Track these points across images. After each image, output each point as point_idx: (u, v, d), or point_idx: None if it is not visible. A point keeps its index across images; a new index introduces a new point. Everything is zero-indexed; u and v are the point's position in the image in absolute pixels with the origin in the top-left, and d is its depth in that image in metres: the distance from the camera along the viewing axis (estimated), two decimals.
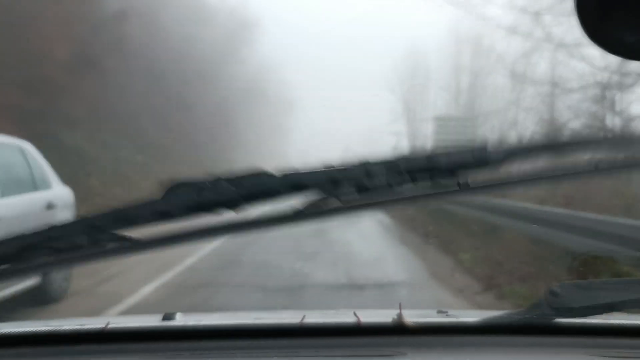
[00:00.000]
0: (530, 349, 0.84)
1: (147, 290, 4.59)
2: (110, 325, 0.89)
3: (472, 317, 0.92)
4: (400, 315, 0.87)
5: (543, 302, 0.86)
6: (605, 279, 0.93)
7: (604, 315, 0.85)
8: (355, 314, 0.90)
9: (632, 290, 0.86)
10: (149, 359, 0.86)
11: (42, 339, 0.90)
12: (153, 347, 0.88)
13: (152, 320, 0.94)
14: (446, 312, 0.96)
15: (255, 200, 0.67)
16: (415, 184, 0.67)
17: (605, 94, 9.39)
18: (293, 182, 0.67)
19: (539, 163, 0.71)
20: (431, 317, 0.95)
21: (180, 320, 0.94)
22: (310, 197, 0.67)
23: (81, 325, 0.91)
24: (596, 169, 0.72)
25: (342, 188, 0.66)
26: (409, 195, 0.69)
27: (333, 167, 0.68)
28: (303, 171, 0.68)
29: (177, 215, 0.67)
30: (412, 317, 0.88)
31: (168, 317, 0.94)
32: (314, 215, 0.69)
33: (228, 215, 0.67)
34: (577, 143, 0.76)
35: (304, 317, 0.89)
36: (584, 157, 0.72)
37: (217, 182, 0.67)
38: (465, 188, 0.67)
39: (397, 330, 0.87)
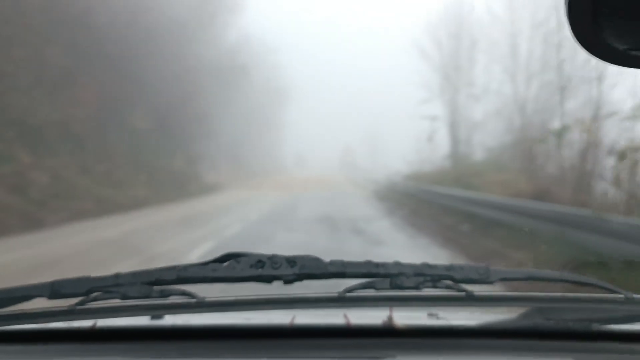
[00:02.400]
0: (519, 352, 0.86)
1: None
2: (99, 324, 0.88)
3: (461, 320, 0.94)
4: (390, 318, 0.88)
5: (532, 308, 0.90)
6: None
7: (587, 322, 0.89)
8: (345, 316, 0.90)
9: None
10: (138, 359, 0.86)
11: (30, 337, 0.90)
12: (141, 347, 0.88)
13: (140, 320, 0.93)
14: (436, 314, 0.97)
15: (304, 278, 0.85)
16: (434, 287, 0.86)
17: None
18: (337, 270, 0.86)
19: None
20: (421, 319, 0.96)
21: (169, 319, 0.94)
22: (350, 283, 0.87)
23: (69, 323, 0.90)
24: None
25: (378, 281, 0.86)
26: (428, 296, 0.90)
27: (371, 262, 0.87)
28: (347, 262, 0.87)
29: (235, 280, 0.85)
30: (402, 319, 0.89)
31: (157, 316, 0.94)
32: (352, 300, 0.90)
33: (277, 286, 0.87)
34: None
35: (294, 317, 0.90)
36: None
37: (274, 257, 0.85)
38: (471, 297, 0.88)
39: (387, 332, 0.88)
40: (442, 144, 18.91)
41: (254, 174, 36.69)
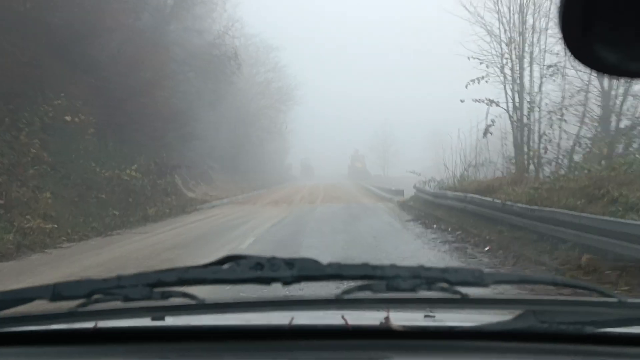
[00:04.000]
0: (513, 354, 1.17)
1: None
2: (100, 326, 1.21)
3: (457, 322, 1.25)
4: (387, 319, 1.20)
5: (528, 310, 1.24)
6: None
7: (580, 325, 1.20)
8: (343, 317, 1.22)
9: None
10: None
11: (32, 339, 1.21)
12: (142, 348, 1.19)
13: (142, 321, 1.25)
14: (433, 316, 1.29)
15: (303, 280, 1.11)
16: (430, 289, 1.13)
17: None
18: (335, 272, 1.12)
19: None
20: (417, 321, 1.28)
21: (170, 321, 1.27)
22: (347, 285, 1.15)
23: (70, 325, 1.22)
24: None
25: (375, 283, 1.12)
26: (424, 298, 1.19)
27: (368, 264, 1.15)
28: (344, 264, 1.14)
29: (235, 282, 1.13)
30: (398, 320, 1.21)
31: (157, 318, 1.26)
32: (350, 302, 1.25)
33: (276, 288, 1.16)
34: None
35: (292, 318, 1.22)
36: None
37: (272, 260, 1.12)
38: (466, 300, 1.18)
39: (384, 333, 1.20)
40: (495, 142, 17.64)
41: (254, 185, 38.51)
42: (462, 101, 16.70)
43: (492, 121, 16.57)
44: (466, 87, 16.47)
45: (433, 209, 16.68)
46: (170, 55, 23.27)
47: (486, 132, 16.68)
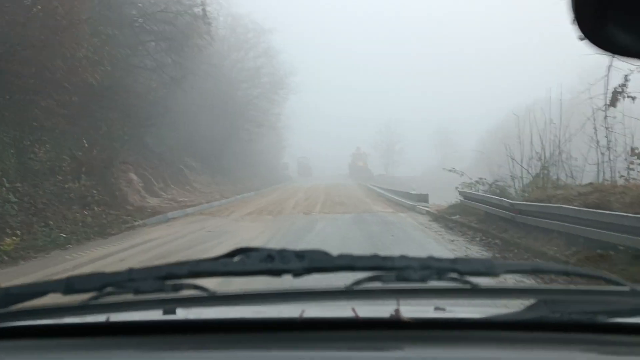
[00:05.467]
0: (524, 344, 1.50)
1: None
2: (112, 319, 1.57)
3: (467, 312, 1.61)
4: (397, 310, 1.56)
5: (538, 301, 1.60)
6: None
7: (592, 314, 1.54)
8: (353, 309, 1.58)
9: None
10: (150, 353, 1.51)
11: (45, 332, 1.57)
12: (154, 340, 1.55)
13: (153, 314, 1.61)
14: (443, 307, 1.66)
15: (313, 272, 1.44)
16: (440, 279, 1.45)
17: None
18: (345, 263, 1.46)
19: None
20: (427, 312, 1.64)
21: (181, 313, 1.63)
22: (358, 276, 1.49)
23: (83, 318, 1.59)
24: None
25: (385, 274, 1.46)
26: (434, 288, 1.54)
27: (378, 255, 1.49)
28: (355, 255, 1.48)
29: (246, 274, 1.50)
30: (409, 311, 1.56)
31: (169, 311, 1.62)
32: (360, 293, 1.63)
33: (287, 280, 1.52)
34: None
35: (303, 310, 1.58)
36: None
37: (283, 252, 1.46)
38: (476, 290, 1.53)
39: (394, 324, 1.55)
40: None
41: (241, 187, 39.40)
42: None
43: (627, 79, 12.81)
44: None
45: (523, 234, 13.33)
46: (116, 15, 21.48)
47: (616, 99, 13.30)
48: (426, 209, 22.52)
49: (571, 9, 1.40)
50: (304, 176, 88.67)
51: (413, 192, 28.33)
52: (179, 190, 28.63)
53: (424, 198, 25.43)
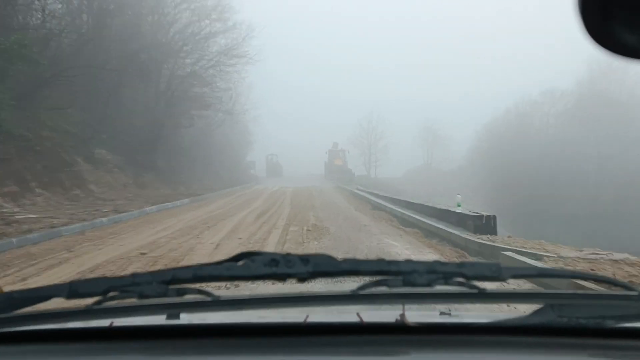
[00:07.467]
0: (531, 349, 1.77)
1: None
2: (116, 323, 1.89)
3: (474, 317, 1.96)
4: (403, 315, 1.91)
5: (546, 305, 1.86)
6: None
7: (600, 319, 1.81)
8: (358, 313, 1.93)
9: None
10: (154, 357, 1.83)
11: (48, 337, 1.87)
12: (158, 345, 1.86)
13: (156, 319, 1.92)
14: (449, 311, 2.02)
15: (318, 276, 1.64)
16: (446, 284, 1.66)
17: None
18: (350, 268, 1.68)
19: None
20: (433, 316, 1.99)
21: (185, 318, 1.95)
22: (363, 281, 1.70)
23: (87, 323, 1.89)
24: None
25: (391, 279, 1.66)
26: (440, 293, 1.73)
27: (383, 260, 1.70)
28: (360, 260, 1.69)
29: (250, 278, 1.68)
30: (414, 316, 1.91)
31: (173, 315, 1.93)
32: (365, 297, 1.80)
33: (291, 285, 1.70)
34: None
35: (307, 315, 1.92)
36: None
37: (287, 256, 1.66)
38: (483, 294, 1.75)
39: (400, 329, 1.87)
40: None
41: (172, 192, 34.06)
42: None
43: None
44: None
45: None
46: None
47: None
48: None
49: (578, 10, 1.49)
50: (273, 176, 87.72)
51: (458, 210, 18.68)
52: (56, 197, 22.70)
53: (485, 225, 15.55)
